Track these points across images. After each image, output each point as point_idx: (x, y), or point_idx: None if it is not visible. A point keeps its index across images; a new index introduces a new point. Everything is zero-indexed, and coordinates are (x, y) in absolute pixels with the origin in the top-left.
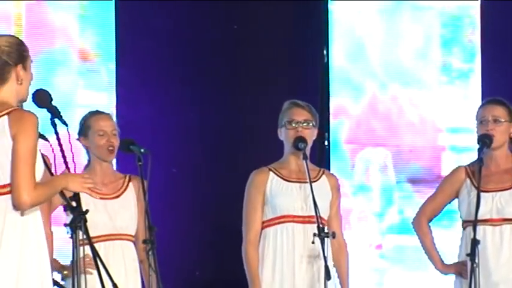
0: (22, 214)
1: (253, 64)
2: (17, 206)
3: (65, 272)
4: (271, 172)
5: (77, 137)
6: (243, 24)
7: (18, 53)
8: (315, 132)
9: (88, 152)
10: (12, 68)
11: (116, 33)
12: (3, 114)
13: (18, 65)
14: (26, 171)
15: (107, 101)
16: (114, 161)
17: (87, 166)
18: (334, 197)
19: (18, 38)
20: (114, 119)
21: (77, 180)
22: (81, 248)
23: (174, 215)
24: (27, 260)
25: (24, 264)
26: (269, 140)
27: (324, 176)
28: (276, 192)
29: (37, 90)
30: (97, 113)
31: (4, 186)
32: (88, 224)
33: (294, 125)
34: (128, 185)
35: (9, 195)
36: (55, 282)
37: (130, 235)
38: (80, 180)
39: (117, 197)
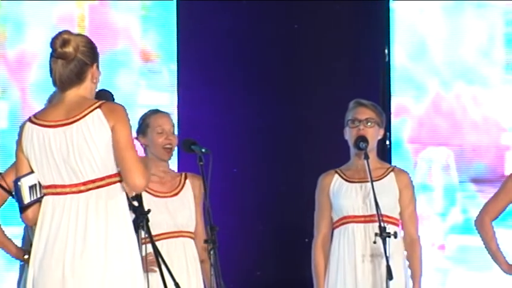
0: (121, 204)
1: (314, 64)
2: (133, 190)
3: None
4: (336, 174)
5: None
6: (304, 24)
7: (93, 52)
8: (380, 131)
9: (145, 151)
10: (89, 68)
11: (177, 34)
12: (95, 108)
13: (93, 64)
14: (134, 156)
15: (169, 102)
16: (175, 161)
17: None
18: (403, 194)
19: (89, 37)
20: (176, 119)
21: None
22: (143, 246)
23: (235, 214)
24: (133, 248)
25: (131, 253)
26: (330, 139)
27: (391, 173)
28: (337, 194)
29: (100, 90)
30: (156, 111)
31: (103, 178)
32: (149, 222)
33: (356, 123)
34: (184, 182)
35: (109, 187)
36: None
37: (190, 232)
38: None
39: (176, 194)
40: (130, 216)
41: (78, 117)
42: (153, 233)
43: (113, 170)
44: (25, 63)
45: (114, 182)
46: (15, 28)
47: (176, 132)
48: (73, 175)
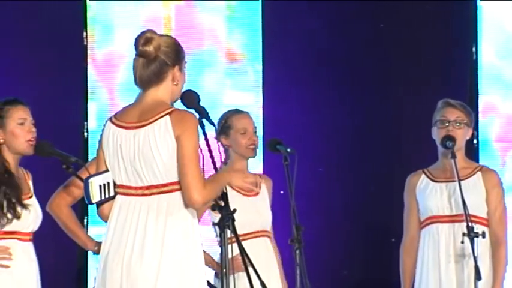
0: (183, 212)
1: (400, 63)
2: (190, 205)
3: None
4: (423, 174)
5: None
6: (390, 23)
7: (176, 54)
8: (469, 131)
9: (226, 151)
10: (169, 69)
11: (262, 34)
12: (165, 114)
13: (175, 66)
14: (195, 171)
15: (254, 101)
16: (261, 161)
17: (224, 164)
18: (491, 194)
19: (175, 39)
20: (261, 119)
21: (239, 176)
22: (230, 246)
23: (320, 214)
24: (190, 257)
25: (187, 262)
26: (417, 138)
27: (478, 173)
28: (423, 193)
29: (186, 90)
30: (237, 112)
31: (166, 185)
32: (236, 222)
33: (445, 124)
34: (261, 184)
35: (172, 194)
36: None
37: (270, 232)
38: (241, 176)
39: (257, 194)
40: (192, 225)
41: (148, 121)
42: (240, 232)
43: (177, 178)
44: (113, 64)
45: (178, 189)
46: (103, 30)
47: (261, 132)
48: (138, 178)
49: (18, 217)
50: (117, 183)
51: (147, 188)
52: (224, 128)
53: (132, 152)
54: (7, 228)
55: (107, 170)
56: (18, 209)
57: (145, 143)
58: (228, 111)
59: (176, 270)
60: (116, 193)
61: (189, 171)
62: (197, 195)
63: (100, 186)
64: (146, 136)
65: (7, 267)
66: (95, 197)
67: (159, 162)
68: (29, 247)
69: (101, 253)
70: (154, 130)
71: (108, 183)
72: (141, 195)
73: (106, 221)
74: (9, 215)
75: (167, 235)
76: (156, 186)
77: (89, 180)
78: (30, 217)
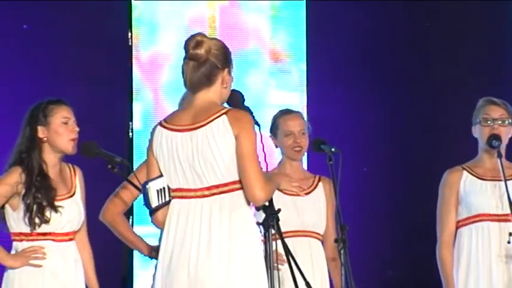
0: (245, 210)
1: (444, 62)
2: (252, 202)
3: None
4: (464, 171)
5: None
6: (435, 22)
7: (226, 57)
8: (511, 130)
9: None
10: (219, 72)
11: (306, 33)
12: (222, 114)
13: (225, 69)
14: (256, 168)
15: (298, 101)
16: (305, 160)
17: (280, 163)
18: None
19: (223, 42)
20: (305, 118)
21: (287, 179)
22: (274, 243)
23: (365, 213)
24: (256, 254)
25: (253, 259)
26: (462, 138)
27: None
28: (470, 191)
29: (230, 90)
30: (286, 112)
31: (227, 184)
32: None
33: (489, 122)
34: (317, 184)
35: (232, 193)
36: None
37: (317, 233)
38: (288, 180)
39: (307, 194)
40: (253, 222)
41: (204, 122)
42: (283, 230)
43: (237, 177)
44: (157, 64)
45: (238, 189)
46: (148, 30)
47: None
48: (198, 179)
49: (46, 221)
50: (174, 187)
51: (207, 188)
52: (273, 128)
53: (191, 153)
54: (40, 230)
55: (161, 175)
56: (47, 213)
57: (204, 143)
58: (279, 111)
59: (245, 265)
60: (171, 198)
61: (251, 170)
62: (260, 192)
63: (158, 191)
64: (204, 136)
65: (39, 266)
66: (154, 202)
67: (219, 162)
68: (67, 247)
69: (161, 258)
70: (212, 130)
71: (164, 188)
72: (202, 196)
73: (161, 227)
74: (37, 220)
75: (233, 233)
76: (217, 187)
77: (147, 185)
78: (64, 218)
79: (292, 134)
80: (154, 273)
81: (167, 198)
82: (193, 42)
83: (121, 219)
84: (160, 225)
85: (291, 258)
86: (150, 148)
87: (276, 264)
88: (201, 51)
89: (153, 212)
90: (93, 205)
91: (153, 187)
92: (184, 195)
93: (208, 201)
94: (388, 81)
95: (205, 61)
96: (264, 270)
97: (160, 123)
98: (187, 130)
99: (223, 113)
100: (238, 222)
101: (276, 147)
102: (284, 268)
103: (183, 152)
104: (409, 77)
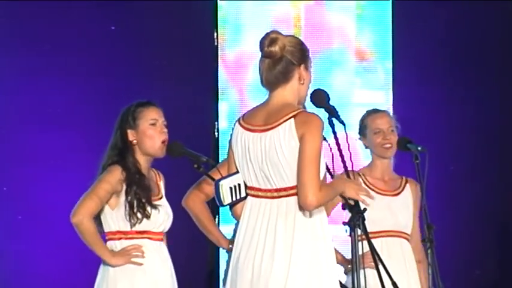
0: (311, 214)
1: None
2: (303, 206)
3: (348, 266)
4: None
5: (358, 137)
6: None
7: (302, 53)
8: None
9: (371, 152)
10: (295, 68)
11: (392, 32)
12: (290, 117)
13: (301, 65)
14: (313, 172)
15: (384, 100)
16: (392, 160)
17: (370, 164)
18: None
19: (299, 38)
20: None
21: (354, 187)
22: (360, 244)
23: (452, 213)
24: (319, 259)
25: (315, 264)
26: None
27: None
28: None
29: (315, 90)
30: (374, 111)
31: (293, 188)
32: (368, 219)
33: None
34: (405, 186)
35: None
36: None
37: (407, 234)
38: (356, 188)
39: (397, 194)
40: (322, 225)
41: (273, 125)
42: (372, 230)
43: None
44: (243, 64)
45: None
46: (233, 30)
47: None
48: (266, 181)
49: (148, 216)
50: (248, 185)
51: (276, 190)
52: (361, 129)
53: (260, 155)
54: (139, 228)
55: (237, 172)
56: (148, 208)
57: (271, 147)
58: (366, 112)
59: (305, 270)
60: (247, 194)
61: (307, 172)
62: (312, 196)
63: (231, 188)
64: (272, 140)
65: (140, 264)
66: (226, 199)
67: (285, 166)
68: (161, 246)
69: (233, 252)
70: (279, 134)
71: (239, 185)
72: (270, 197)
73: (239, 220)
74: (139, 215)
75: (296, 236)
76: (285, 189)
77: (219, 183)
78: (160, 217)
79: (381, 131)
80: (226, 269)
81: (243, 194)
82: (267, 40)
83: (202, 207)
84: (239, 219)
85: (377, 259)
86: (230, 144)
87: (364, 265)
88: (276, 48)
89: (231, 207)
90: (178, 206)
91: (225, 185)
92: (256, 194)
93: (276, 202)
94: (477, 80)
95: (281, 58)
96: (327, 274)
97: (238, 120)
98: (258, 131)
99: (292, 116)
100: (303, 227)
101: (366, 148)
102: (370, 271)
103: (254, 153)
104: (496, 76)
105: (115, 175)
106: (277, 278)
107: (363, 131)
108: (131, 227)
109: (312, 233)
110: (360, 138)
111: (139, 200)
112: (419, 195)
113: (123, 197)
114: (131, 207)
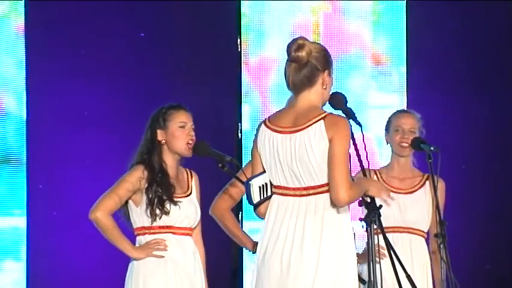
0: (338, 211)
1: None
2: (335, 203)
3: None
4: None
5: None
6: None
7: (326, 59)
8: None
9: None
10: (320, 73)
11: (406, 37)
12: (319, 119)
13: (325, 70)
14: (343, 171)
15: (398, 103)
16: (410, 159)
17: (390, 162)
18: None
19: (324, 46)
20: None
21: (377, 186)
22: (376, 237)
23: (464, 210)
24: (345, 254)
25: (342, 258)
26: None
27: None
28: None
29: (333, 93)
30: (401, 111)
31: (322, 186)
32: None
33: None
34: (424, 183)
35: (328, 194)
36: None
37: (420, 230)
38: (379, 187)
39: (411, 192)
40: (346, 221)
41: (303, 126)
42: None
43: None
44: (265, 68)
45: None
46: (256, 36)
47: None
48: (295, 179)
49: (166, 213)
50: (275, 184)
51: (305, 189)
52: (387, 125)
53: (289, 155)
54: (161, 223)
55: (264, 171)
56: (167, 205)
57: (301, 146)
58: (397, 110)
59: (333, 264)
60: (272, 193)
61: (337, 171)
62: (343, 194)
63: (260, 187)
64: (302, 140)
65: (161, 257)
66: (256, 197)
67: (314, 165)
68: (185, 240)
69: (258, 250)
70: (309, 134)
71: (266, 184)
72: (299, 195)
73: (263, 218)
74: (157, 211)
75: (324, 232)
76: (313, 187)
77: (250, 182)
78: (182, 212)
79: (401, 130)
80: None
81: (269, 193)
82: (295, 45)
83: (229, 215)
84: (263, 217)
85: (392, 252)
86: (254, 145)
87: (377, 258)
88: (303, 53)
89: (256, 206)
90: (204, 203)
91: (255, 184)
92: (283, 192)
93: (304, 200)
94: (489, 83)
95: (307, 63)
96: (352, 268)
97: (264, 122)
98: (288, 132)
99: (321, 118)
100: (330, 223)
101: (387, 144)
102: (386, 262)
103: (283, 152)
104: (508, 78)
105: (136, 174)
106: (307, 269)
107: (388, 127)
108: (152, 223)
109: (339, 229)
110: (385, 134)
111: (159, 197)
112: (443, 191)
113: (145, 195)
114: (151, 204)
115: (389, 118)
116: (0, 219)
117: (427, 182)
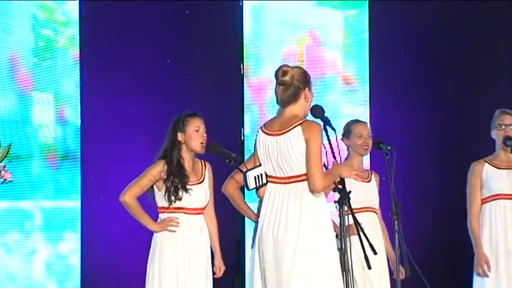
0: (314, 195)
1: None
2: (313, 190)
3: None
4: (485, 163)
5: (340, 137)
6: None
7: (305, 79)
8: None
9: (348, 148)
10: (302, 91)
11: (369, 62)
12: (297, 125)
13: (306, 88)
14: (318, 165)
15: (363, 113)
16: (368, 157)
17: (346, 159)
18: None
19: (303, 68)
20: (368, 126)
21: (347, 169)
22: (346, 217)
23: (412, 194)
24: (320, 228)
25: (317, 231)
26: (483, 138)
27: None
28: (490, 177)
29: (314, 105)
30: (357, 121)
31: (301, 176)
32: (352, 199)
33: (502, 127)
34: (371, 176)
35: (305, 182)
36: None
37: (376, 209)
38: (349, 169)
39: (369, 181)
40: (322, 202)
41: (286, 130)
42: (354, 207)
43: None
44: (262, 87)
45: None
46: (255, 62)
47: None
48: (281, 170)
49: (179, 199)
50: (268, 174)
51: (288, 178)
52: (346, 132)
53: (276, 152)
54: (176, 205)
55: (260, 165)
56: (180, 193)
57: (284, 146)
58: (351, 120)
59: (310, 235)
60: (267, 181)
61: (313, 165)
62: (319, 183)
63: (255, 177)
64: (285, 141)
65: (174, 231)
66: (251, 185)
67: (293, 159)
68: (195, 219)
69: (259, 224)
70: (290, 137)
71: (261, 174)
72: (284, 183)
73: (262, 199)
74: (172, 197)
75: (303, 211)
76: (294, 177)
77: (247, 174)
78: (192, 198)
79: (362, 136)
80: (254, 235)
81: (264, 181)
82: (280, 72)
83: (237, 192)
84: (262, 198)
85: (359, 228)
86: (255, 145)
87: (349, 233)
88: (287, 78)
89: (256, 190)
90: (217, 187)
91: (250, 175)
92: (273, 180)
93: (288, 186)
94: (436, 98)
95: (291, 84)
96: (328, 235)
97: (261, 127)
98: (275, 135)
99: (299, 124)
100: (308, 204)
101: (347, 146)
102: (354, 237)
103: (272, 150)
104: (450, 94)
105: (157, 168)
106: (290, 240)
107: (347, 134)
108: (169, 205)
109: (315, 207)
110: (342, 139)
111: (175, 186)
112: (379, 182)
113: (164, 184)
114: (168, 191)
115: (348, 127)
116: (62, 202)
117: (372, 175)
